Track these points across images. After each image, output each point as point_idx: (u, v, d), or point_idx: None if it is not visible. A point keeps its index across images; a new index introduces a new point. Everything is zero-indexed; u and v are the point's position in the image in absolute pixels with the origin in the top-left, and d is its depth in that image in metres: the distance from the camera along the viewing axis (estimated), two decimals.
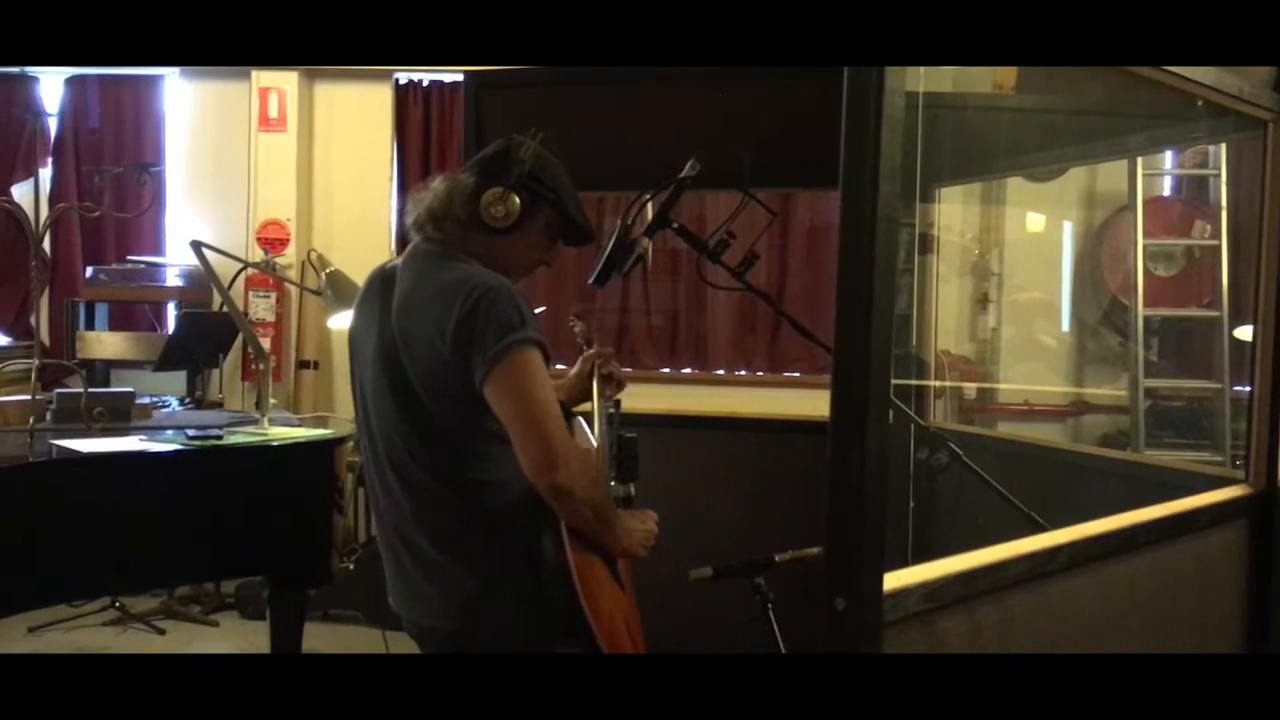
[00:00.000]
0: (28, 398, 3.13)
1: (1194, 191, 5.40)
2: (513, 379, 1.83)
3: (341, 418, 5.47)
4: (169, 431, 3.14)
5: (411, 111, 5.87)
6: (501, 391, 1.83)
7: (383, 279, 2.04)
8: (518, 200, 1.98)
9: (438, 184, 2.03)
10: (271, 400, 3.47)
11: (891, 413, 1.40)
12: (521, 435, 1.83)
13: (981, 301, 5.41)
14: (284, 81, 5.77)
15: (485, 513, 1.92)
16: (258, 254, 5.72)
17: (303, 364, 5.84)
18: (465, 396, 1.87)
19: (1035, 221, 5.62)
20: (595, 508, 1.90)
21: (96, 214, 5.05)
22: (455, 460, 1.92)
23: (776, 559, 2.34)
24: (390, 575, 2.06)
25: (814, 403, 2.78)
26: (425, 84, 5.85)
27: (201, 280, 5.33)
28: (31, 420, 3.03)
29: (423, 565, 1.97)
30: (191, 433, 3.06)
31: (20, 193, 5.81)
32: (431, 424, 1.92)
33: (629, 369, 5.76)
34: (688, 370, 5.85)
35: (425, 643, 2.06)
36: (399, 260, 2.05)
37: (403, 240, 5.88)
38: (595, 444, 2.14)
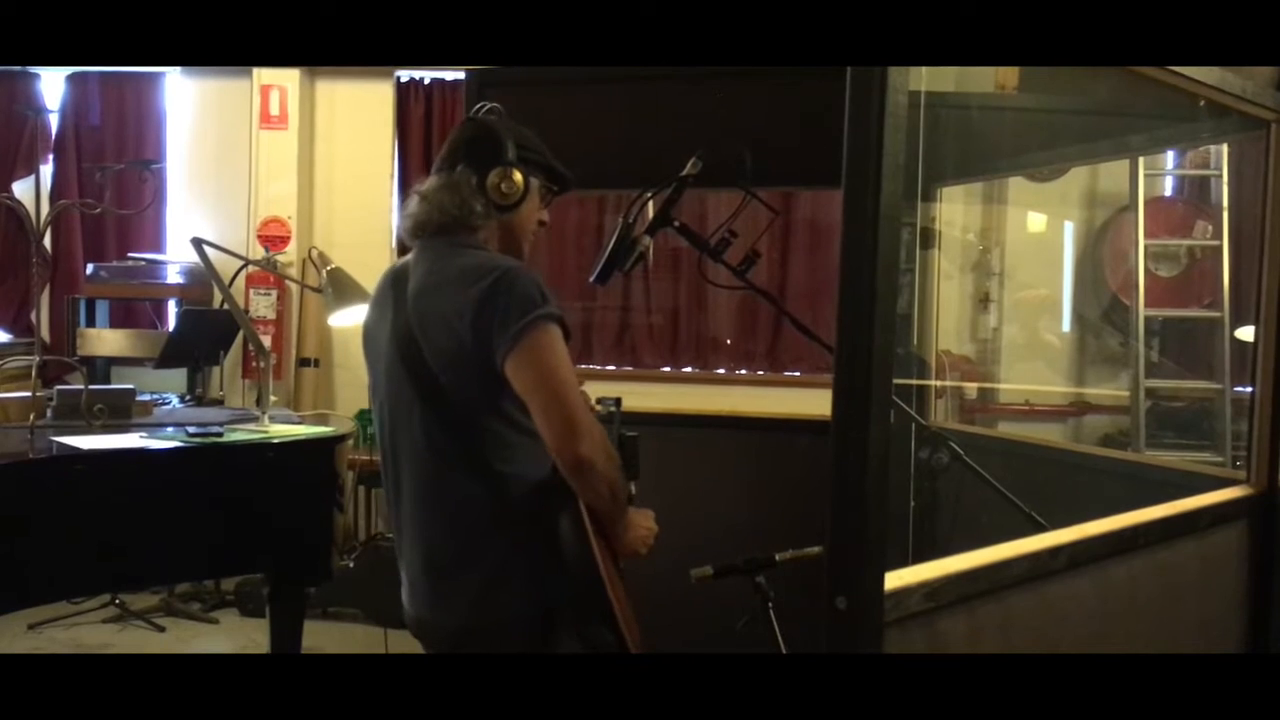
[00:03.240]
0: (28, 394, 3.13)
1: (1195, 192, 5.40)
2: (535, 354, 1.85)
3: (342, 415, 5.49)
4: (169, 429, 3.13)
5: (413, 109, 5.87)
6: (524, 365, 1.85)
7: (395, 275, 2.07)
8: (519, 174, 2.02)
9: (431, 188, 2.05)
10: (272, 398, 3.47)
11: (892, 412, 1.40)
12: (544, 408, 1.85)
13: (982, 301, 5.41)
14: (285, 79, 5.77)
15: (506, 504, 1.92)
16: (259, 251, 5.72)
17: (303, 362, 5.84)
18: (485, 377, 1.88)
19: (1036, 221, 5.62)
20: (613, 485, 1.92)
21: (97, 211, 5.06)
22: (477, 448, 1.92)
23: (777, 558, 2.34)
24: (409, 574, 2.06)
25: (815, 402, 2.77)
26: (427, 82, 5.85)
27: (202, 278, 5.33)
28: (32, 417, 3.03)
29: (442, 562, 1.97)
30: (192, 430, 3.06)
31: (21, 189, 5.82)
32: (452, 409, 1.92)
33: (629, 367, 5.81)
34: (688, 369, 5.85)
35: (430, 638, 2.06)
36: (409, 258, 2.07)
37: (402, 241, 5.89)
38: None
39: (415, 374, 1.94)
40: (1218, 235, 5.06)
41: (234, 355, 5.58)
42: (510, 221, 2.06)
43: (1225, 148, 4.83)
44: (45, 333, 5.80)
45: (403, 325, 1.96)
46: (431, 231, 2.03)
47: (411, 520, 2.02)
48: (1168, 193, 5.48)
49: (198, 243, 3.43)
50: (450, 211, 2.01)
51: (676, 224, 2.35)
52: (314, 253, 5.46)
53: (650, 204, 2.39)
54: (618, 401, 2.38)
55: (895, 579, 1.41)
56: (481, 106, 2.11)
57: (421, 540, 2.00)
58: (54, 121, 6.04)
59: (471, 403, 1.91)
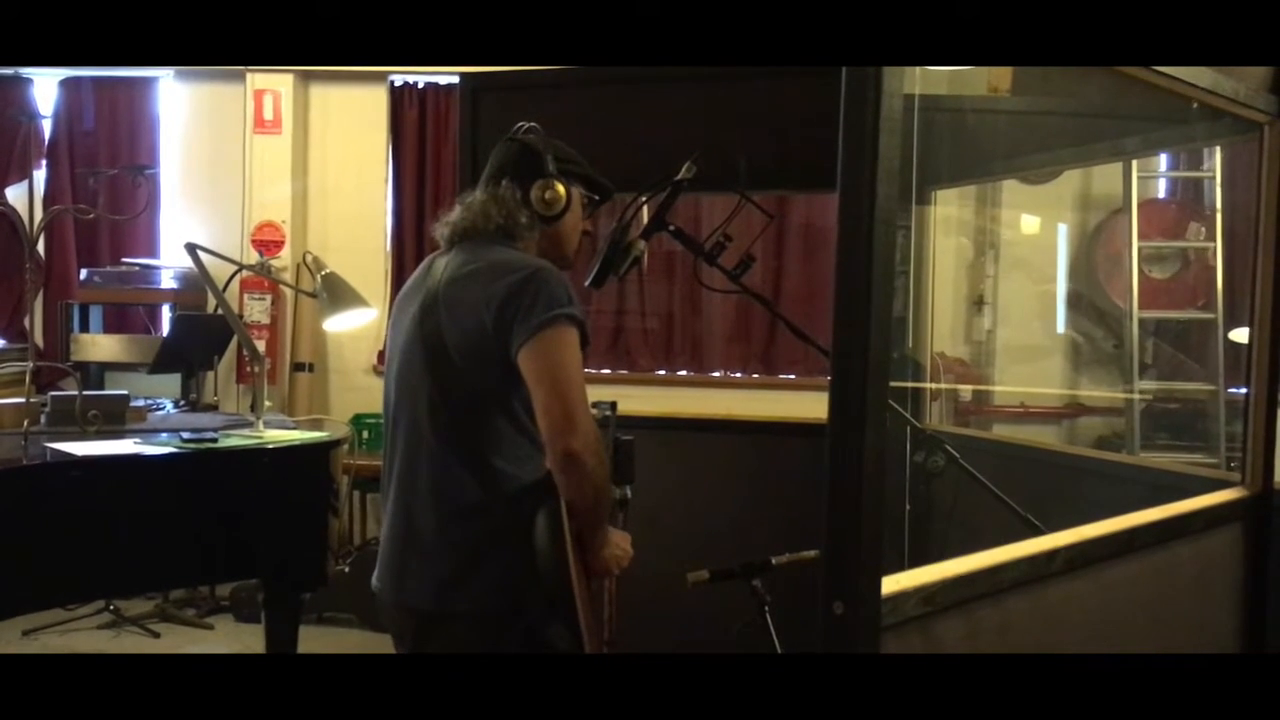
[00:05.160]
0: (22, 400, 3.12)
1: (1189, 194, 5.41)
2: (549, 347, 1.90)
3: (337, 420, 5.47)
4: (164, 434, 3.12)
5: (407, 113, 5.86)
6: (535, 356, 1.90)
7: (430, 263, 2.12)
8: (560, 185, 2.09)
9: (477, 201, 2.10)
10: (266, 403, 3.46)
11: (887, 415, 1.39)
12: (546, 398, 1.89)
13: (977, 303, 5.41)
14: (279, 83, 5.76)
15: (492, 498, 1.95)
16: (253, 256, 5.71)
17: (298, 366, 5.83)
18: (500, 368, 1.93)
19: (1030, 223, 5.63)
20: (598, 489, 1.95)
21: (91, 216, 5.05)
22: (478, 438, 1.96)
23: (774, 562, 2.34)
24: (383, 551, 2.09)
25: (810, 405, 2.78)
26: (420, 86, 5.84)
27: (196, 282, 5.32)
28: (26, 423, 3.02)
29: (417, 543, 2.01)
30: (186, 435, 3.05)
31: (14, 195, 5.81)
32: (462, 396, 1.96)
33: (624, 371, 5.80)
34: (683, 372, 5.84)
35: (398, 622, 2.09)
36: (448, 253, 2.11)
37: (398, 242, 5.89)
38: None
39: (432, 355, 1.99)
40: (1211, 237, 5.07)
41: (228, 360, 5.56)
42: (554, 232, 2.13)
43: (1218, 150, 4.84)
44: (39, 338, 5.78)
45: (429, 307, 2.01)
46: (472, 235, 2.08)
47: (398, 494, 2.06)
48: (1161, 195, 5.49)
49: (191, 248, 3.42)
50: (496, 220, 2.07)
51: (671, 228, 2.35)
52: (308, 257, 5.40)
53: (645, 208, 2.39)
54: (613, 405, 2.38)
55: (892, 583, 1.41)
56: (520, 127, 2.17)
57: (402, 514, 2.04)
58: (47, 127, 6.02)
59: (483, 392, 1.96)
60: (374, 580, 2.11)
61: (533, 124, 2.17)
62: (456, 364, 1.96)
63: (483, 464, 1.95)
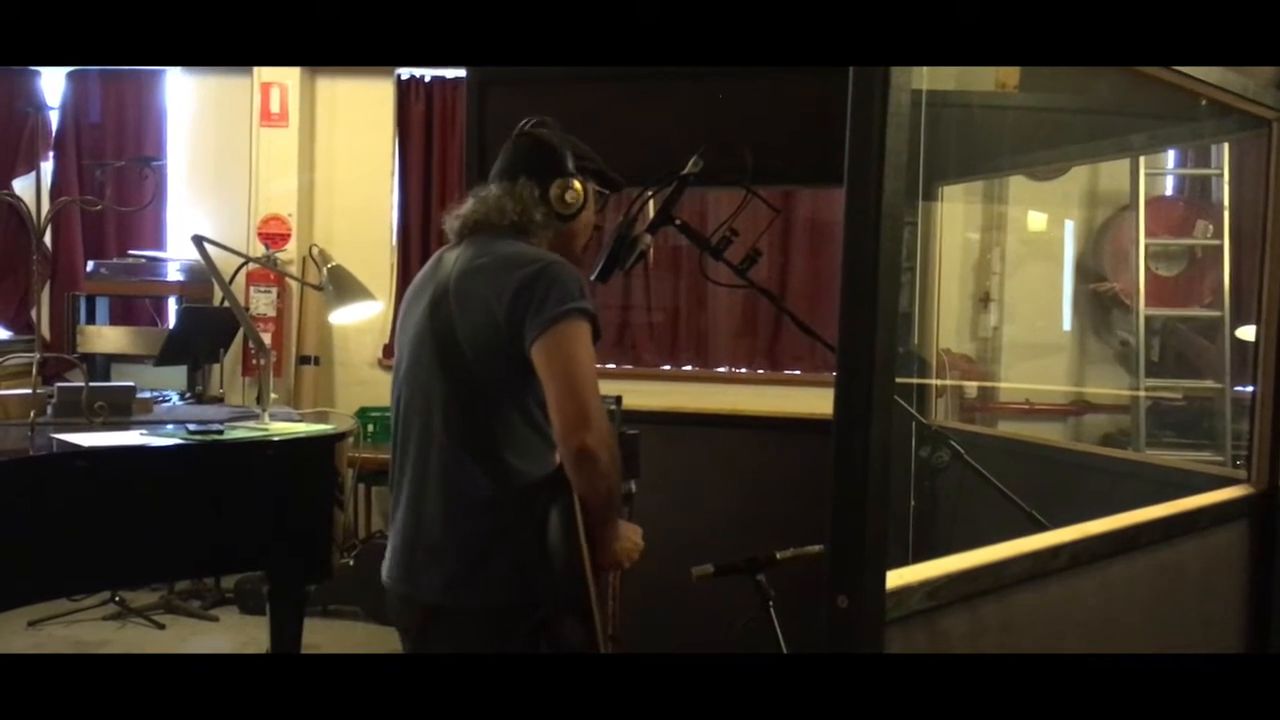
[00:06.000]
0: (28, 391, 3.12)
1: (1196, 191, 5.39)
2: (563, 342, 1.90)
3: (342, 413, 5.48)
4: (169, 426, 3.13)
5: (413, 107, 5.86)
6: (549, 351, 1.89)
7: (441, 256, 2.12)
8: (579, 184, 2.10)
9: (492, 195, 2.09)
10: (272, 395, 3.47)
11: (893, 411, 1.39)
12: (559, 393, 1.89)
13: (983, 300, 5.40)
14: (286, 77, 5.76)
15: (504, 493, 1.95)
16: (259, 249, 5.71)
17: (304, 359, 5.84)
18: (512, 362, 1.92)
19: (1037, 220, 5.62)
20: (611, 483, 1.95)
21: (98, 208, 5.06)
22: (489, 433, 1.96)
23: (778, 556, 2.34)
24: (393, 545, 2.09)
25: (815, 400, 2.77)
26: (427, 80, 5.85)
27: (202, 275, 5.32)
28: (32, 414, 3.02)
29: (427, 537, 2.01)
30: (192, 427, 3.05)
31: (22, 186, 5.81)
32: (474, 390, 1.96)
33: (629, 366, 5.81)
34: (689, 367, 5.84)
35: (401, 614, 2.10)
36: (458, 246, 2.11)
37: (404, 236, 5.90)
38: None
39: (443, 349, 1.98)
40: (1218, 234, 5.06)
41: (234, 353, 5.57)
42: (569, 229, 2.13)
43: (1226, 146, 4.82)
44: (45, 330, 5.79)
45: (440, 300, 2.01)
46: (484, 229, 2.07)
47: (410, 488, 2.06)
48: (1168, 192, 5.47)
49: (198, 240, 3.43)
50: (510, 216, 2.06)
51: (678, 222, 2.35)
52: (314, 250, 5.41)
53: (651, 202, 2.39)
54: (618, 400, 2.39)
55: (896, 578, 1.42)
56: (530, 120, 2.16)
57: (412, 509, 2.04)
58: (54, 118, 6.03)
59: (494, 387, 1.95)
60: (384, 574, 2.11)
61: (543, 118, 2.16)
62: (468, 358, 1.95)
63: (494, 459, 1.95)
